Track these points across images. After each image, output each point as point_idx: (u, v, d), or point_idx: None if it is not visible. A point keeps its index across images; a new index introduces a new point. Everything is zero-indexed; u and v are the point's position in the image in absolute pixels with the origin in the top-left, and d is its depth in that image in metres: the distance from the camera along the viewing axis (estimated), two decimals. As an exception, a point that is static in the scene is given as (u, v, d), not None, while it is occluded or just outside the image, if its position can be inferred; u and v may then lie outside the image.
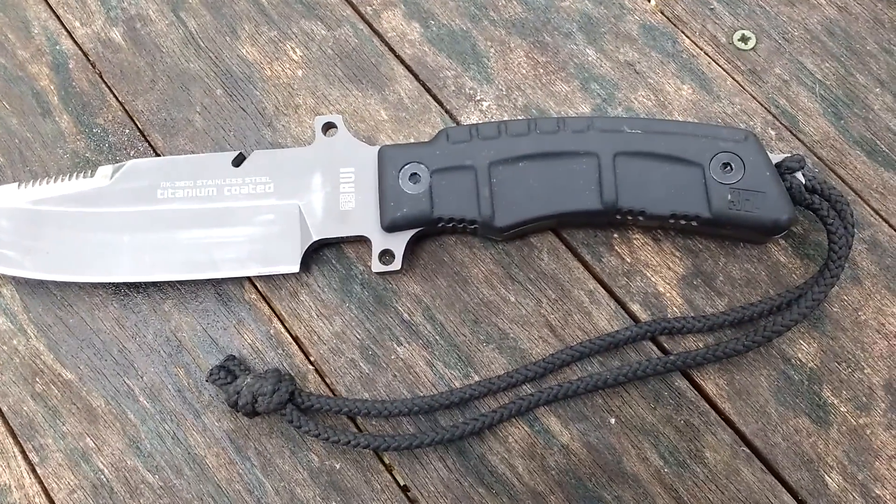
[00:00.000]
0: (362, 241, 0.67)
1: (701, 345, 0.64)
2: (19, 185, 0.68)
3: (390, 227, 0.64)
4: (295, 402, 0.61)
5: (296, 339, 0.66)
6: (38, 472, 0.63)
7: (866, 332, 0.64)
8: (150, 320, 0.67)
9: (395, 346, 0.65)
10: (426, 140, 0.69)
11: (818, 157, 0.70)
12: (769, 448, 0.61)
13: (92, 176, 0.67)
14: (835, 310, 0.64)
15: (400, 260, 0.65)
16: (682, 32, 0.75)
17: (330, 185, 0.66)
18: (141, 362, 0.66)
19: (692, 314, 0.64)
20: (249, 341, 0.66)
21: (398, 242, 0.65)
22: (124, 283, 0.68)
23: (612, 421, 0.62)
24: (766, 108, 0.72)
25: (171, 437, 0.64)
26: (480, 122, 0.72)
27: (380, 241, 0.65)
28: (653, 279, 0.66)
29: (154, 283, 0.68)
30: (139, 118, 0.74)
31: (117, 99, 0.75)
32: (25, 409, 0.65)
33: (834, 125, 0.71)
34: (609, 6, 0.77)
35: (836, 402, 0.62)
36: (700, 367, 0.63)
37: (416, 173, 0.65)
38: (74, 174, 0.68)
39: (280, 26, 0.77)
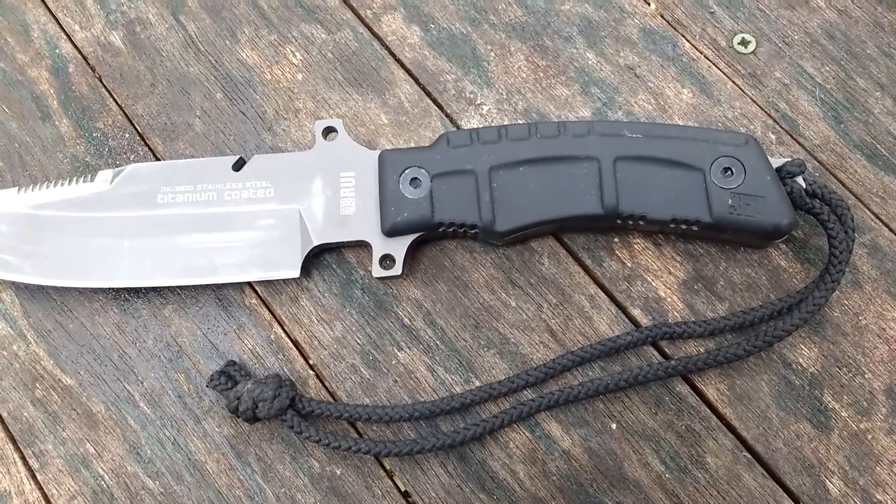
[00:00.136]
0: (363, 245, 0.67)
1: (702, 349, 0.64)
2: (19, 190, 0.68)
3: (391, 232, 0.64)
4: (296, 407, 0.61)
5: (296, 344, 0.66)
6: (39, 478, 0.63)
7: (867, 337, 0.64)
8: (150, 325, 0.67)
9: (396, 351, 0.65)
10: (426, 144, 0.69)
11: (818, 161, 0.70)
12: (770, 453, 0.61)
13: (92, 180, 0.67)
14: (835, 314, 0.64)
15: (400, 265, 0.65)
16: (682, 36, 0.75)
17: (330, 190, 0.66)
18: (141, 367, 0.66)
19: (693, 319, 0.64)
20: (250, 346, 0.66)
21: (399, 247, 0.65)
22: (124, 288, 0.67)
23: (613, 426, 0.62)
24: (766, 112, 0.72)
25: (172, 443, 0.64)
26: (481, 126, 0.72)
27: (380, 245, 0.65)
28: (653, 284, 0.66)
29: (154, 288, 0.68)
30: (139, 122, 0.74)
31: (117, 103, 0.75)
32: (25, 414, 0.65)
33: (834, 129, 0.71)
34: (609, 10, 0.77)
35: (837, 406, 0.62)
36: (701, 372, 0.63)
37: (416, 178, 0.64)
38: (74, 178, 0.68)
39: (280, 30, 0.77)
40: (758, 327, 0.63)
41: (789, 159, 0.63)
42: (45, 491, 0.63)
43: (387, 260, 0.65)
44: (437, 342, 0.65)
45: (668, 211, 0.63)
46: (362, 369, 0.65)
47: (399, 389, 0.64)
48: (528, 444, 0.62)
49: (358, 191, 0.66)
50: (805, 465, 0.60)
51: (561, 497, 0.61)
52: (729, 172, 0.62)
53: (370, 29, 0.77)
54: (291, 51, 0.76)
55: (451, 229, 0.65)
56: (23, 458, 0.64)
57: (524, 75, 0.74)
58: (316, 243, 0.65)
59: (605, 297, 0.66)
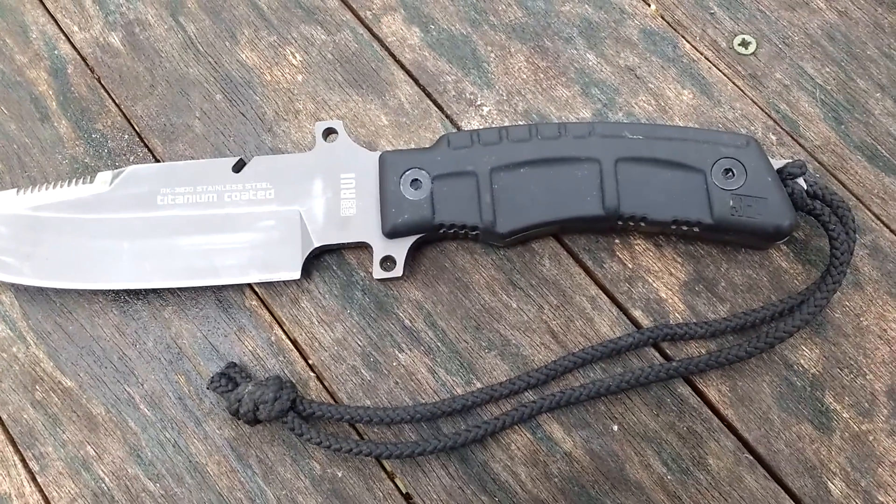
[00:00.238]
0: (363, 247, 0.67)
1: (703, 351, 0.64)
2: (18, 192, 0.68)
3: (391, 234, 0.64)
4: (296, 409, 0.61)
5: (297, 346, 0.66)
6: (39, 480, 0.63)
7: (868, 338, 0.64)
8: (150, 327, 0.67)
9: (397, 352, 0.65)
10: (427, 146, 0.69)
11: (819, 163, 0.70)
12: (772, 455, 0.61)
13: (91, 182, 0.67)
14: (837, 315, 0.64)
15: (401, 266, 0.65)
16: (683, 37, 0.75)
17: (331, 191, 0.66)
18: (141, 370, 0.65)
19: (694, 320, 0.64)
20: (250, 348, 0.66)
21: (399, 249, 0.65)
22: (124, 290, 0.67)
23: (615, 428, 0.62)
24: (766, 113, 0.72)
25: (172, 445, 0.63)
26: (481, 127, 0.72)
27: (381, 247, 0.65)
28: (655, 285, 0.66)
29: (154, 290, 0.67)
30: (138, 123, 0.74)
31: (116, 104, 0.75)
32: (25, 417, 0.65)
33: (835, 130, 0.71)
34: (609, 11, 0.77)
35: (838, 408, 0.62)
36: (702, 374, 0.63)
37: (417, 179, 0.64)
38: (73, 180, 0.67)
39: (280, 31, 0.77)
40: (759, 328, 0.63)
41: (790, 160, 0.63)
42: (46, 493, 0.63)
43: (387, 261, 0.65)
44: (438, 344, 0.65)
45: (669, 212, 0.63)
46: (363, 371, 0.65)
47: (400, 391, 0.64)
48: (529, 445, 0.62)
49: (358, 192, 0.66)
50: (807, 466, 0.60)
51: (563, 499, 0.61)
52: (730, 174, 0.62)
53: (370, 30, 0.77)
54: (291, 52, 0.76)
55: (451, 231, 0.65)
56: (23, 460, 0.64)
57: (524, 76, 0.74)
58: (316, 245, 0.65)
59: (606, 298, 0.66)
